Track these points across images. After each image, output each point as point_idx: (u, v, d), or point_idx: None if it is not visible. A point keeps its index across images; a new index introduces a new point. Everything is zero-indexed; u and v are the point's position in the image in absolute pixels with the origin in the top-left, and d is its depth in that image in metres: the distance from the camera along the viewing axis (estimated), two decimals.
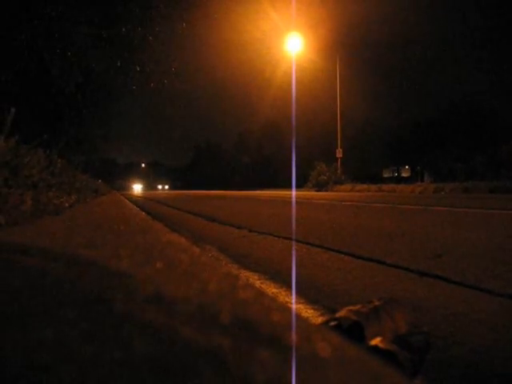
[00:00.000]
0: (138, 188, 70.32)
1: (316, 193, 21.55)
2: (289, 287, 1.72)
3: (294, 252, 2.62)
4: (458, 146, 33.54)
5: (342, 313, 0.91)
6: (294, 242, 2.93)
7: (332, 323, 0.86)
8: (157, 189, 74.16)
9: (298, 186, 29.91)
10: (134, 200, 12.68)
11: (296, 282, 1.78)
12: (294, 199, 12.02)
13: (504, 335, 1.12)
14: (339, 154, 27.54)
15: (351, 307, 0.94)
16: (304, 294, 1.57)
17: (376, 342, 0.78)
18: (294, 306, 1.40)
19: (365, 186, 23.29)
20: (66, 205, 4.97)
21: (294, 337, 0.50)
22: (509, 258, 2.19)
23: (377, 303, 0.97)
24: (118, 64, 9.86)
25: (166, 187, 79.01)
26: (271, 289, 1.70)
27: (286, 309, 0.76)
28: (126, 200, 10.92)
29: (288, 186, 33.46)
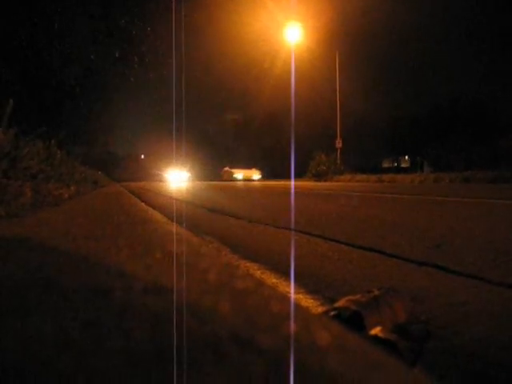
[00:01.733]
0: (178, 178, 37.29)
1: (315, 183, 21.54)
2: (289, 277, 1.72)
3: (292, 242, 2.62)
4: (457, 137, 33.56)
5: (341, 302, 0.91)
6: (293, 233, 2.93)
7: (332, 313, 0.86)
8: (233, 179, 35.79)
9: (298, 176, 29.85)
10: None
11: (296, 272, 1.79)
12: (292, 189, 12.02)
13: (504, 324, 1.12)
14: (339, 144, 27.53)
15: (351, 297, 0.94)
16: (304, 284, 1.57)
17: (376, 331, 0.78)
18: (292, 296, 1.40)
19: (364, 177, 23.27)
20: (66, 196, 4.97)
21: (292, 326, 0.50)
22: (509, 247, 2.19)
23: (376, 293, 0.97)
24: (117, 55, 9.85)
25: (256, 177, 37.89)
26: (271, 279, 1.71)
27: (285, 298, 0.76)
28: (126, 191, 10.90)
29: (287, 176, 33.27)
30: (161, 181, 34.17)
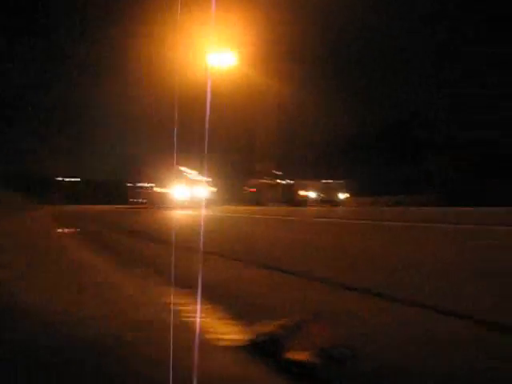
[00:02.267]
0: (190, 198, 18.49)
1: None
2: (216, 303, 1.66)
3: (201, 266, 2.50)
4: (383, 158, 34.38)
5: (262, 327, 0.91)
6: (200, 254, 2.89)
7: (250, 338, 0.85)
8: (301, 201, 20.96)
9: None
10: None
11: (223, 299, 1.73)
12: (202, 217, 11.56)
13: (420, 352, 1.15)
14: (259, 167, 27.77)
15: (274, 322, 0.94)
16: (232, 312, 1.53)
17: (291, 354, 0.79)
18: (198, 324, 1.31)
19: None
20: None
21: (195, 359, 0.49)
22: (430, 268, 2.27)
23: (301, 318, 0.98)
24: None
25: (342, 196, 21.49)
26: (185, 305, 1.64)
27: (195, 328, 0.75)
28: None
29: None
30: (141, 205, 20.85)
